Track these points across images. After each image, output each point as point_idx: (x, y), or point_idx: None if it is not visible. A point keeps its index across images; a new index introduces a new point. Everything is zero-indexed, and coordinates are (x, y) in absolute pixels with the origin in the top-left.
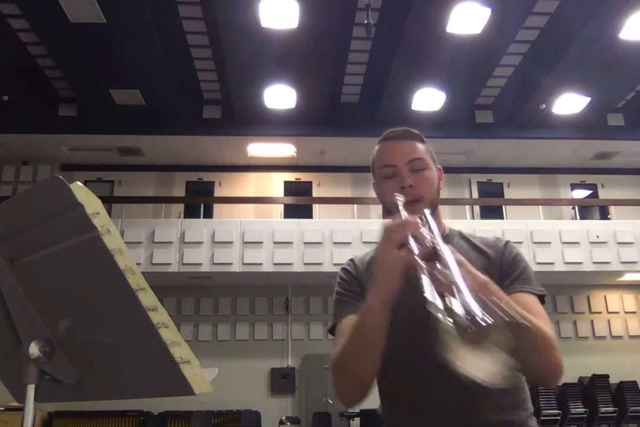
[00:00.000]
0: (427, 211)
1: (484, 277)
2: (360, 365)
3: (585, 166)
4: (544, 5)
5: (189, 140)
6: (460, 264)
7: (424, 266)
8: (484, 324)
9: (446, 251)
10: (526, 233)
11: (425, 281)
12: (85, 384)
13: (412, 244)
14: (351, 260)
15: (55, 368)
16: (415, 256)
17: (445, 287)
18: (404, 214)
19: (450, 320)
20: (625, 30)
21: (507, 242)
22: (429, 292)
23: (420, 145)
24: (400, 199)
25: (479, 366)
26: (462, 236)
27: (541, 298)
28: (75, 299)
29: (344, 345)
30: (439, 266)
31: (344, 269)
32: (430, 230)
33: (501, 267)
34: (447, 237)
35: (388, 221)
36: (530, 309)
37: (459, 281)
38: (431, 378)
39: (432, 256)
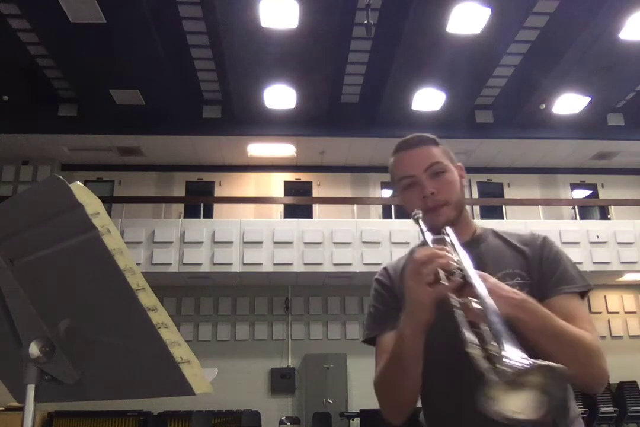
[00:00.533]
0: (449, 230)
1: (520, 296)
2: (397, 391)
3: (585, 166)
4: (544, 5)
5: (189, 140)
6: (491, 290)
7: (456, 299)
8: (518, 368)
9: (475, 278)
10: None
11: (460, 316)
12: (85, 384)
13: (442, 274)
14: (385, 269)
15: (55, 368)
16: (447, 290)
17: (478, 318)
18: (428, 238)
19: (486, 361)
20: (625, 30)
21: (545, 238)
22: (466, 330)
23: (435, 149)
24: (422, 223)
25: (515, 404)
26: (497, 235)
27: (584, 294)
28: (75, 299)
29: (381, 371)
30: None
31: (377, 281)
32: (456, 251)
33: (540, 265)
34: (480, 238)
35: (417, 251)
36: (571, 315)
37: (490, 313)
38: (469, 400)
39: (462, 285)
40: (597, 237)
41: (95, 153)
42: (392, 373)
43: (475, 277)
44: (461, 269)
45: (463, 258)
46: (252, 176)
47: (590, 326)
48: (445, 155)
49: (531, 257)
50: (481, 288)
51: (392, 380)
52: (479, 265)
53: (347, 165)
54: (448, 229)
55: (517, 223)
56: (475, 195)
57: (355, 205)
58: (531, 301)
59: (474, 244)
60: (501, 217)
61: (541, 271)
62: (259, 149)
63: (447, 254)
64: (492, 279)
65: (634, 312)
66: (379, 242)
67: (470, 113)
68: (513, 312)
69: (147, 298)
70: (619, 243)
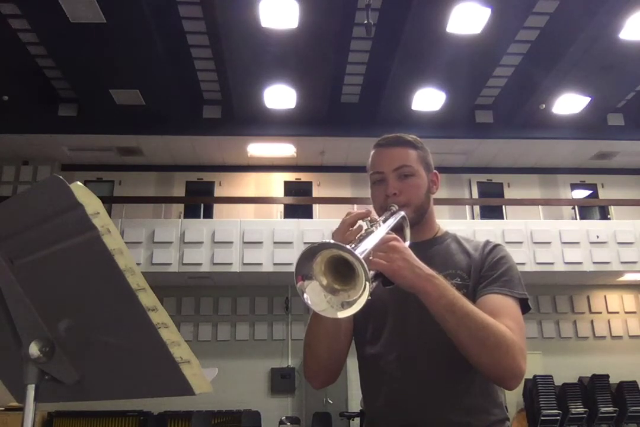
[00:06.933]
0: (395, 208)
1: (429, 270)
2: (315, 344)
3: (585, 166)
4: (544, 5)
5: (189, 141)
6: (400, 252)
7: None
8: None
9: (380, 232)
10: (526, 233)
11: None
12: (85, 384)
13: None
14: None
15: (55, 368)
16: (355, 234)
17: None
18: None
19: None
20: (625, 30)
21: (495, 246)
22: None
23: (411, 152)
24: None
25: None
26: (456, 240)
27: (523, 302)
28: (75, 299)
29: (307, 327)
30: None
31: None
32: (384, 221)
33: (481, 269)
34: (437, 240)
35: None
36: (496, 311)
37: (371, 238)
38: (397, 374)
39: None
40: (597, 237)
41: (95, 153)
42: (312, 326)
43: (380, 232)
44: (375, 224)
45: (381, 220)
46: (252, 176)
47: (514, 325)
48: (420, 160)
49: (476, 261)
50: (374, 238)
51: (311, 334)
52: (427, 264)
53: (347, 165)
54: (394, 208)
55: (517, 223)
56: (475, 195)
57: (355, 205)
58: (440, 278)
59: (428, 244)
60: (501, 217)
61: (481, 274)
62: (259, 149)
63: (370, 212)
64: (404, 246)
65: (634, 312)
66: None
67: (470, 113)
68: (419, 282)
69: (147, 298)
70: (619, 243)
